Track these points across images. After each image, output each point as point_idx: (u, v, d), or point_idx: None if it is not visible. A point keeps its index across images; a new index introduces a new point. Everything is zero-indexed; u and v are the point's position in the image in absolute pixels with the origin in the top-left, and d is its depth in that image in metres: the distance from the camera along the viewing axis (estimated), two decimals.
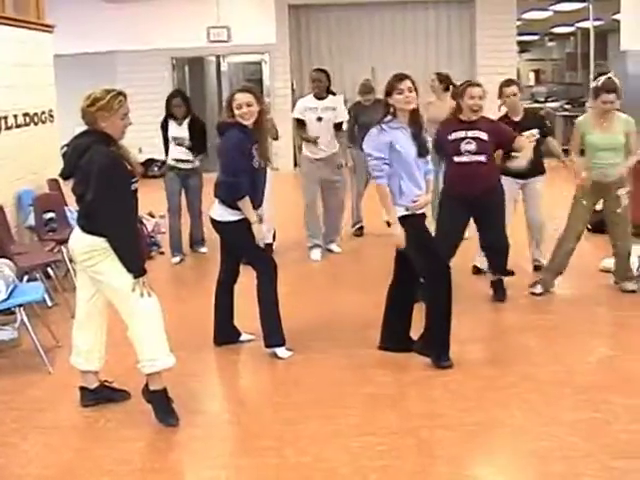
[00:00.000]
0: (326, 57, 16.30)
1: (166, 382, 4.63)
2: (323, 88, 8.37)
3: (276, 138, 8.78)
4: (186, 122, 8.45)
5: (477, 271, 7.40)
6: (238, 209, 5.42)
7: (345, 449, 4.19)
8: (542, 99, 19.11)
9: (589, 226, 9.22)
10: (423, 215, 5.35)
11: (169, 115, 8.50)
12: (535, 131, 6.74)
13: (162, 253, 9.01)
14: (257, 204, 5.53)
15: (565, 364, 5.28)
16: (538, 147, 6.87)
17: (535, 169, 6.94)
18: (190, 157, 8.47)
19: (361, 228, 9.61)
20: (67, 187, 4.78)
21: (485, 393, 4.93)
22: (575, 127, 6.79)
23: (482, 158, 6.23)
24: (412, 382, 5.05)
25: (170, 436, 4.47)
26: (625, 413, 4.47)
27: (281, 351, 5.58)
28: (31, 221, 7.85)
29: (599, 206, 9.19)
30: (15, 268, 6.08)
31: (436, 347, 5.26)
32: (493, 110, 6.93)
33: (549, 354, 5.49)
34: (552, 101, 18.61)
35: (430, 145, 5.43)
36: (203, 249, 8.88)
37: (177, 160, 8.51)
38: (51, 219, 7.85)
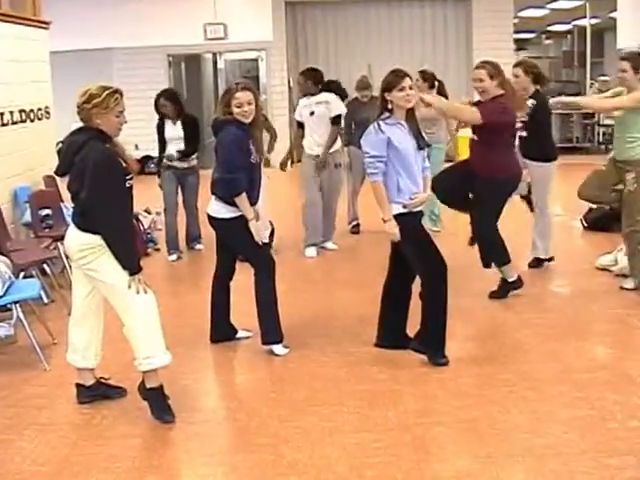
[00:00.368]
0: (322, 54, 16.33)
1: (162, 379, 4.63)
2: (306, 88, 8.38)
3: (275, 138, 8.81)
4: (180, 121, 8.45)
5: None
6: (235, 206, 5.42)
7: (341, 446, 4.19)
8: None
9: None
10: (420, 213, 5.35)
11: (162, 115, 8.50)
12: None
13: (158, 250, 9.02)
14: (254, 201, 5.53)
15: (561, 362, 5.29)
16: (540, 130, 6.92)
17: (536, 152, 6.93)
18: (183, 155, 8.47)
19: (357, 225, 9.61)
20: (63, 184, 4.77)
21: (481, 390, 4.94)
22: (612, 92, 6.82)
23: (475, 136, 6.43)
24: (408, 379, 5.06)
25: (166, 433, 4.48)
26: (621, 411, 4.48)
27: (278, 348, 5.59)
28: (27, 218, 7.86)
29: (594, 205, 9.28)
30: (11, 265, 6.08)
31: (432, 344, 5.26)
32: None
33: (545, 352, 5.49)
34: (549, 98, 18.61)
35: (427, 139, 5.42)
36: (199, 246, 8.88)
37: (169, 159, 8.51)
38: (47, 216, 7.84)
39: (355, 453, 4.11)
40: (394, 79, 5.14)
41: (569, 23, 19.79)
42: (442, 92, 8.70)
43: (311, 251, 8.52)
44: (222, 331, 5.86)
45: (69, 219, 4.83)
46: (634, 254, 6.63)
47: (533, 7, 18.36)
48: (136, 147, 13.21)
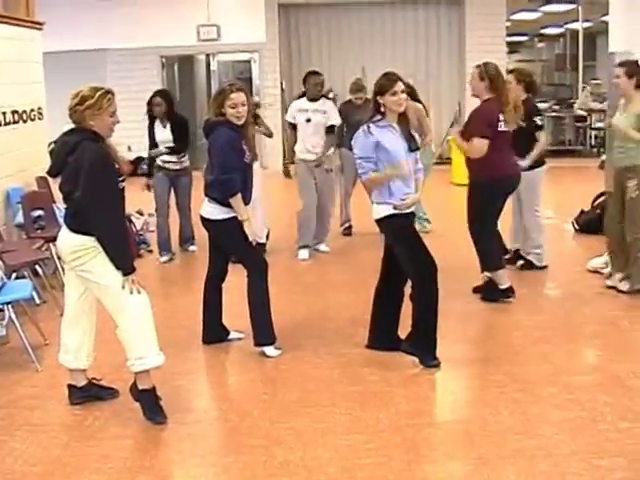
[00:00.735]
0: (316, 56, 16.34)
1: (154, 380, 4.64)
2: (314, 92, 8.32)
3: (270, 135, 8.80)
4: (169, 124, 8.42)
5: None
6: (229, 207, 5.43)
7: (333, 447, 4.20)
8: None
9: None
10: (412, 214, 5.36)
11: (153, 116, 8.46)
12: None
13: (151, 251, 9.02)
14: (247, 201, 5.54)
15: (552, 364, 5.31)
16: (532, 138, 6.96)
17: (523, 157, 6.96)
18: (175, 158, 8.47)
19: (349, 227, 9.62)
20: (56, 185, 4.77)
21: (472, 392, 4.96)
22: None
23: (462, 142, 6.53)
24: (399, 381, 5.07)
25: (158, 434, 4.48)
26: (611, 412, 4.51)
27: (270, 350, 5.60)
28: (19, 219, 7.85)
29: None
30: (3, 266, 6.09)
31: (423, 346, 5.28)
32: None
33: (537, 354, 5.51)
34: (541, 102, 18.66)
35: (419, 141, 5.44)
36: (192, 247, 8.88)
37: (165, 161, 8.51)
38: (39, 217, 7.83)
39: (347, 454, 4.12)
40: (386, 83, 5.16)
41: (562, 26, 19.83)
42: (414, 96, 8.73)
43: (303, 253, 8.52)
44: (214, 332, 5.86)
45: (61, 220, 4.83)
46: (636, 261, 6.64)
47: (526, 10, 18.41)
48: (129, 149, 13.18)
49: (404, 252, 5.25)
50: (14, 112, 8.23)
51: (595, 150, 16.31)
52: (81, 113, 4.40)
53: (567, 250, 8.83)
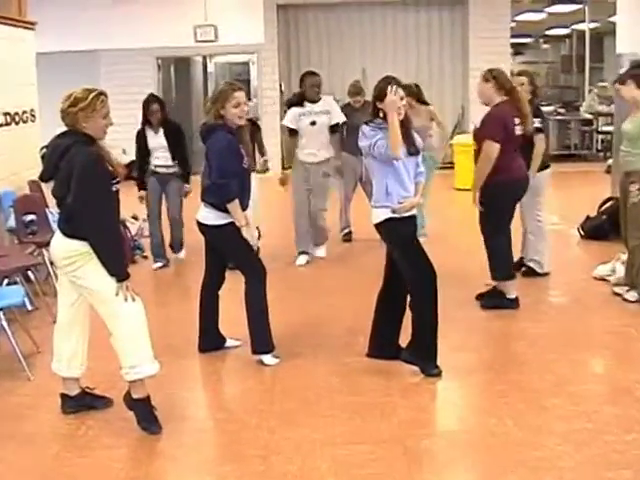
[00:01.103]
0: (315, 58, 16.34)
1: (149, 389, 4.64)
2: (313, 94, 8.27)
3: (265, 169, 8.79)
4: (162, 130, 8.35)
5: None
6: (226, 212, 5.45)
7: (332, 458, 4.21)
8: (537, 102, 19.17)
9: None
10: (411, 219, 5.34)
11: (146, 122, 8.37)
12: None
13: (146, 257, 9.03)
14: (245, 206, 5.56)
15: (557, 373, 5.31)
16: (531, 142, 6.98)
17: (528, 161, 6.96)
18: (170, 162, 8.43)
19: (349, 233, 9.63)
20: (48, 189, 4.79)
21: (474, 401, 4.97)
22: None
23: (475, 146, 6.54)
24: (400, 390, 5.08)
25: (153, 444, 4.49)
26: (618, 424, 4.51)
27: (268, 358, 5.61)
28: (11, 223, 7.85)
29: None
30: None
31: (423, 355, 5.29)
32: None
33: (541, 363, 5.52)
34: (546, 105, 18.73)
35: (420, 145, 5.42)
36: (181, 254, 8.86)
37: (158, 166, 8.46)
38: (32, 221, 7.82)
39: (346, 465, 4.13)
40: (386, 87, 5.17)
41: (568, 27, 19.91)
42: (421, 99, 8.78)
43: (301, 259, 8.54)
44: (211, 340, 5.87)
45: (54, 225, 4.86)
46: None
47: (531, 11, 18.45)
48: (124, 152, 13.19)
49: (402, 257, 5.27)
50: (6, 114, 8.25)
51: (601, 154, 16.35)
52: (74, 115, 4.42)
53: (572, 257, 8.85)
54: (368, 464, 4.13)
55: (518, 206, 7.18)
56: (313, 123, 8.25)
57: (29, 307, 6.88)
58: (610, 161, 7.00)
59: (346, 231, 9.64)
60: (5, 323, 5.60)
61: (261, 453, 4.30)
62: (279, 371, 5.49)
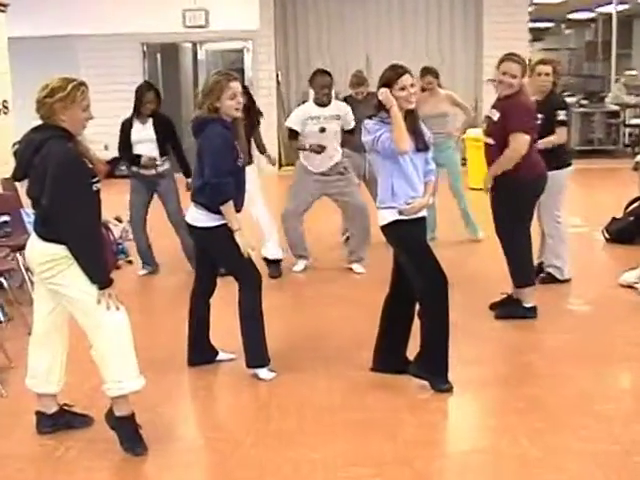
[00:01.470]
0: (315, 45, 16.38)
1: (134, 406, 4.64)
2: (330, 95, 8.20)
3: (258, 123, 8.64)
4: (150, 120, 8.27)
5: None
6: (219, 213, 5.45)
7: None
8: (557, 93, 19.19)
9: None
10: (420, 221, 5.36)
11: (136, 113, 8.29)
12: None
13: (130, 262, 9.05)
14: (239, 207, 5.57)
15: (579, 389, 5.33)
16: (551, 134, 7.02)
17: (545, 158, 6.98)
18: (155, 154, 8.30)
19: None
20: (23, 187, 4.80)
21: (488, 419, 4.99)
22: None
23: (489, 140, 6.50)
24: (408, 407, 5.10)
25: (138, 466, 4.50)
26: None
27: (263, 372, 5.63)
28: None
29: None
30: None
31: (433, 368, 5.30)
32: None
33: (561, 377, 5.54)
34: (568, 96, 18.75)
35: (430, 140, 5.42)
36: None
37: (143, 167, 8.30)
38: (5, 223, 7.85)
39: None
40: (393, 76, 5.18)
41: (593, 10, 19.90)
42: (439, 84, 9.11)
43: (299, 264, 8.55)
44: (201, 353, 5.89)
45: (30, 227, 4.86)
46: None
47: None
48: (105, 147, 13.23)
49: (411, 263, 5.29)
50: None
51: (629, 150, 16.34)
52: (51, 106, 4.42)
53: (596, 262, 8.86)
54: None
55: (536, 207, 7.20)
56: (322, 130, 8.10)
57: (1, 318, 6.89)
58: (639, 157, 7.02)
59: (348, 234, 9.64)
60: None
61: (256, 475, 4.32)
62: (275, 386, 5.51)
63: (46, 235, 4.48)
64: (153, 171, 8.33)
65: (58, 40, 15.17)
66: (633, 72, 17.71)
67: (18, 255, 7.10)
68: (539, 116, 6.75)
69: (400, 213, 5.22)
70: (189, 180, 8.24)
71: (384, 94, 5.14)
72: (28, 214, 7.61)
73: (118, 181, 8.66)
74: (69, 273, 4.45)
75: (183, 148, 8.55)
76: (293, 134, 8.25)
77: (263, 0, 15.86)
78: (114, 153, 11.37)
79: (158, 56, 16.89)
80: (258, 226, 8.13)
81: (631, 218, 9.08)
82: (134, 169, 8.41)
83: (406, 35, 16.41)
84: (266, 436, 4.78)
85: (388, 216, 5.26)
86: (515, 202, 6.50)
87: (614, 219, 9.41)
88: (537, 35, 20.14)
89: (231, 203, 5.44)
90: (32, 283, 5.25)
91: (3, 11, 9.21)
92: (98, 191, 4.52)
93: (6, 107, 8.97)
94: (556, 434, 4.68)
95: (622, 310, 6.92)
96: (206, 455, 4.72)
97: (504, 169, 6.38)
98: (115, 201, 8.26)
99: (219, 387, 5.72)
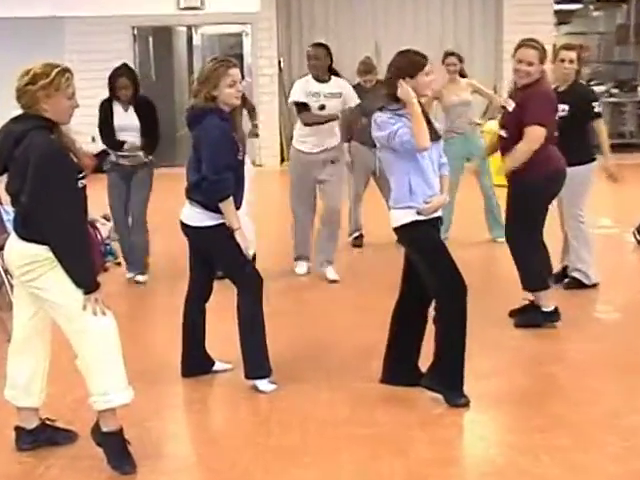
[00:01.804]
0: (320, 29, 16.36)
1: (121, 421, 4.64)
2: (322, 68, 8.14)
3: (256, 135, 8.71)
4: (132, 106, 8.24)
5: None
6: (216, 211, 5.47)
7: None
8: (584, 82, 19.15)
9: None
10: (437, 220, 5.39)
11: (114, 97, 8.23)
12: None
13: (119, 264, 9.06)
14: (238, 205, 5.58)
15: (606, 403, 5.33)
16: (577, 126, 7.01)
17: (568, 152, 6.93)
18: (140, 152, 8.29)
19: (360, 237, 9.66)
20: (2, 183, 4.81)
21: (507, 436, 4.99)
22: None
23: (502, 132, 6.55)
24: (420, 422, 5.10)
25: None
26: None
27: (263, 384, 5.63)
28: None
29: None
30: None
31: (448, 381, 5.31)
32: None
33: (587, 391, 5.54)
34: (597, 84, 18.71)
35: (440, 129, 5.45)
36: (140, 277, 8.56)
37: (121, 156, 8.30)
38: None
39: None
40: (420, 60, 5.22)
41: None
42: (462, 72, 9.16)
43: (301, 268, 8.57)
44: (196, 363, 5.90)
45: (9, 225, 4.86)
46: None
47: None
48: (92, 139, 13.19)
49: (428, 266, 5.29)
50: None
51: None
52: (33, 94, 4.40)
53: (626, 266, 8.86)
54: None
55: (557, 206, 7.19)
56: (322, 107, 8.12)
57: None
58: None
59: (356, 235, 9.67)
60: None
61: None
62: (276, 399, 5.52)
63: (27, 235, 4.47)
64: (134, 161, 8.30)
65: (42, 22, 15.15)
66: None
67: None
68: (561, 107, 6.75)
69: (418, 213, 5.23)
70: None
71: (404, 90, 5.15)
72: (7, 212, 7.60)
73: (105, 176, 8.59)
74: (52, 276, 4.45)
75: (159, 130, 8.46)
76: (301, 107, 8.19)
77: None
78: (101, 145, 11.37)
79: (150, 40, 16.88)
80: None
81: None
82: (112, 159, 8.39)
83: (419, 20, 16.38)
84: (266, 453, 4.78)
85: (404, 217, 5.27)
86: (533, 203, 6.51)
87: None
88: (563, 18, 20.07)
89: (231, 200, 5.45)
90: (12, 286, 5.25)
91: None
92: (84, 187, 4.51)
93: None
94: (580, 452, 4.68)
95: None
96: (200, 474, 4.73)
97: (519, 163, 6.39)
98: (103, 197, 8.28)
99: (215, 400, 5.74)
